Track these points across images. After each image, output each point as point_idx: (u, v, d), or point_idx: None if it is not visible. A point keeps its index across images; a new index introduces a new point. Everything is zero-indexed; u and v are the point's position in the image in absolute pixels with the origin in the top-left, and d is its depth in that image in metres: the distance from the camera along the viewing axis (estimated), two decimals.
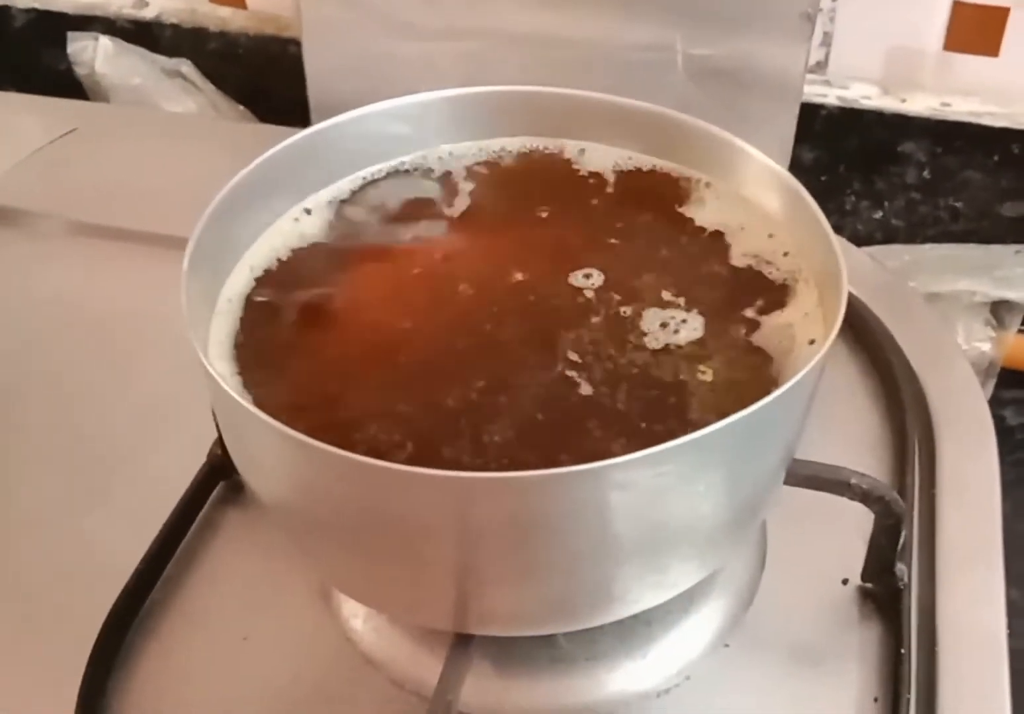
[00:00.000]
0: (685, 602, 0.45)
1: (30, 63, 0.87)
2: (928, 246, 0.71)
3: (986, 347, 0.69)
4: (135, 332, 0.61)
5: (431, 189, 0.46)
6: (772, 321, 0.40)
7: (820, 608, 0.46)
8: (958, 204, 0.70)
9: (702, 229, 0.44)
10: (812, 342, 0.38)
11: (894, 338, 0.56)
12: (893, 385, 0.54)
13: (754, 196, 0.44)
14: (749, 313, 0.40)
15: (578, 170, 0.46)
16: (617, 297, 0.41)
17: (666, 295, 0.41)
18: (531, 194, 0.45)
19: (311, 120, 0.75)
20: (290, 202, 0.44)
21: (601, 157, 0.47)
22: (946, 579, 0.46)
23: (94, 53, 0.80)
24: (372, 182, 0.46)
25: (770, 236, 0.43)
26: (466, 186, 0.46)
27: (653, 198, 0.45)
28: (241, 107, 0.83)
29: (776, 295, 0.41)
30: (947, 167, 0.69)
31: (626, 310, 0.40)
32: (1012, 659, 0.49)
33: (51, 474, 0.54)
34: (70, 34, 0.82)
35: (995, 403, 0.71)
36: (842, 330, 0.57)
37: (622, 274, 0.42)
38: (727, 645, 0.45)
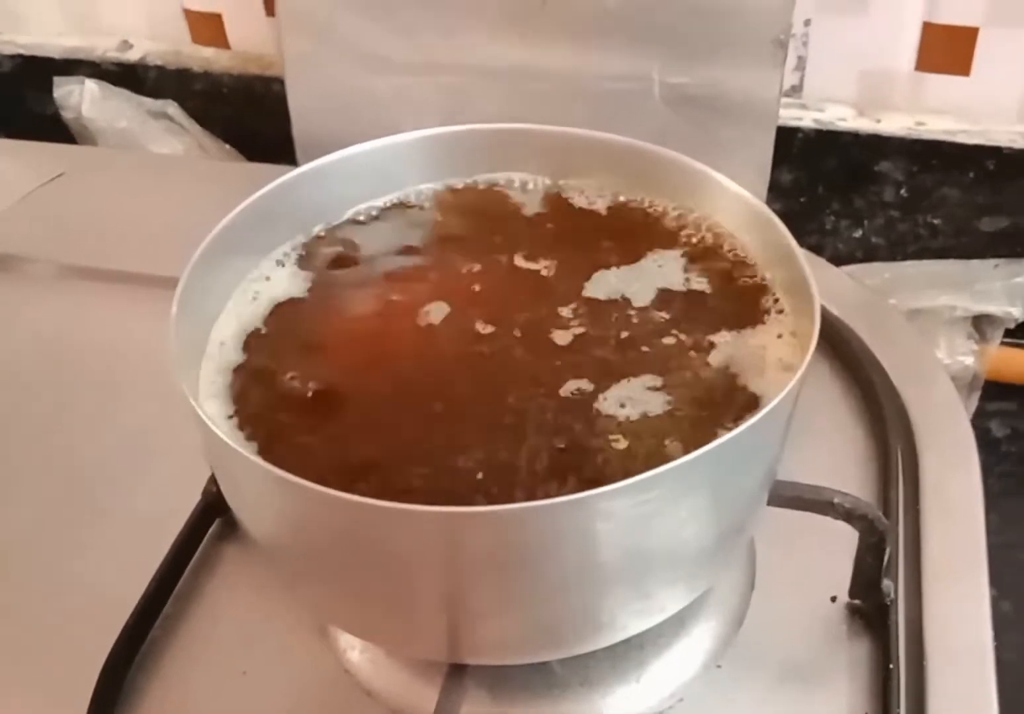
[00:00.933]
0: (676, 625, 0.45)
1: (17, 108, 0.88)
2: (908, 263, 0.72)
3: (969, 361, 0.70)
4: (126, 373, 0.62)
5: (412, 227, 0.47)
6: (745, 343, 0.40)
7: (809, 626, 0.47)
8: (936, 221, 0.71)
9: (674, 254, 0.45)
10: (787, 365, 0.39)
11: (875, 356, 0.57)
12: (875, 403, 0.55)
13: (727, 223, 0.44)
14: (722, 336, 0.41)
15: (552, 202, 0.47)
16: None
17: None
18: (498, 230, 0.46)
19: (297, 157, 0.76)
20: (273, 245, 0.45)
21: (578, 192, 0.48)
22: (932, 594, 0.47)
23: (80, 97, 0.81)
24: (351, 223, 0.47)
25: (743, 262, 0.44)
26: (446, 223, 0.47)
27: (630, 229, 0.46)
28: (228, 146, 0.84)
29: (749, 319, 0.42)
30: (924, 185, 0.70)
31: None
32: (1007, 672, 0.50)
33: (43, 514, 0.54)
34: (56, 79, 0.83)
35: (980, 416, 0.73)
36: (823, 349, 0.59)
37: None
38: (719, 666, 0.45)
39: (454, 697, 0.38)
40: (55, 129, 0.85)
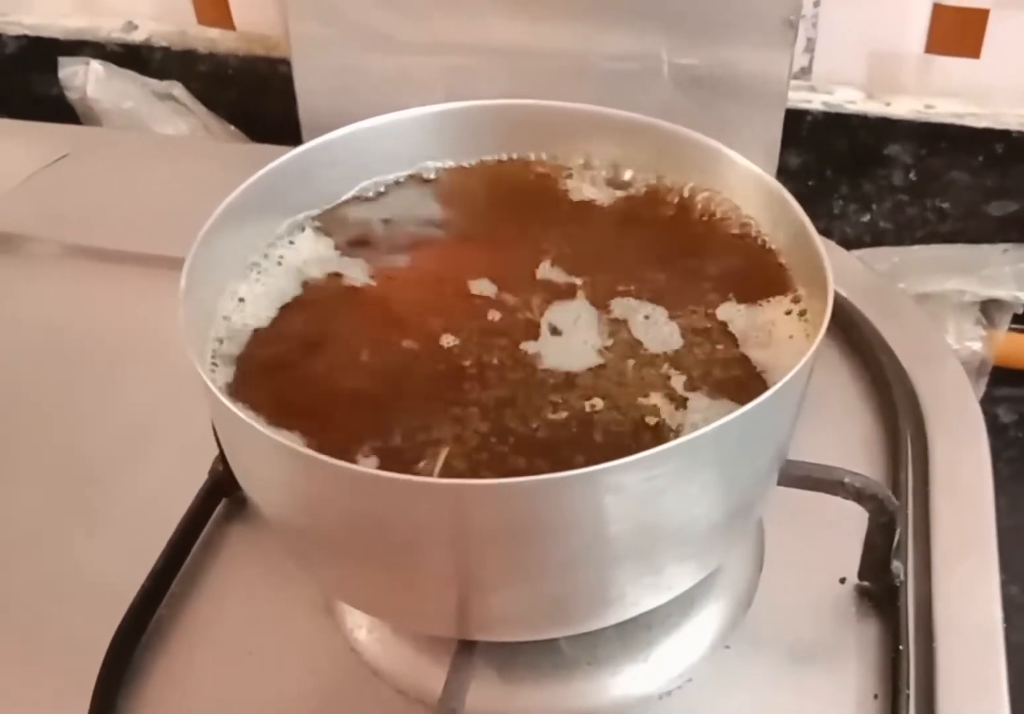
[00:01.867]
0: (685, 605, 0.45)
1: (22, 89, 0.87)
2: (916, 247, 0.71)
3: (977, 346, 0.69)
4: (131, 352, 0.61)
5: (420, 203, 0.46)
6: (757, 320, 0.40)
7: (819, 607, 0.47)
8: (945, 205, 0.71)
9: (686, 232, 0.44)
10: (798, 343, 0.39)
11: (884, 339, 0.57)
12: (884, 385, 0.55)
13: (740, 201, 0.44)
14: (733, 312, 0.41)
15: (564, 182, 0.47)
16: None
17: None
18: (517, 207, 0.46)
19: (302, 138, 0.76)
20: (281, 220, 0.44)
21: (589, 168, 0.47)
22: (942, 575, 0.47)
23: (85, 78, 0.81)
24: (363, 199, 0.47)
25: (756, 239, 0.43)
26: (456, 200, 0.46)
27: (644, 207, 0.46)
28: (233, 127, 0.84)
29: (759, 295, 0.41)
30: (933, 168, 0.70)
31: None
32: (1015, 654, 0.50)
33: (50, 495, 0.54)
34: (61, 59, 0.82)
35: (988, 401, 0.72)
36: (832, 332, 0.59)
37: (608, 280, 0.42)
38: (728, 646, 0.45)
39: (462, 676, 0.38)
40: (60, 110, 0.84)
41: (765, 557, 0.48)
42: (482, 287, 0.43)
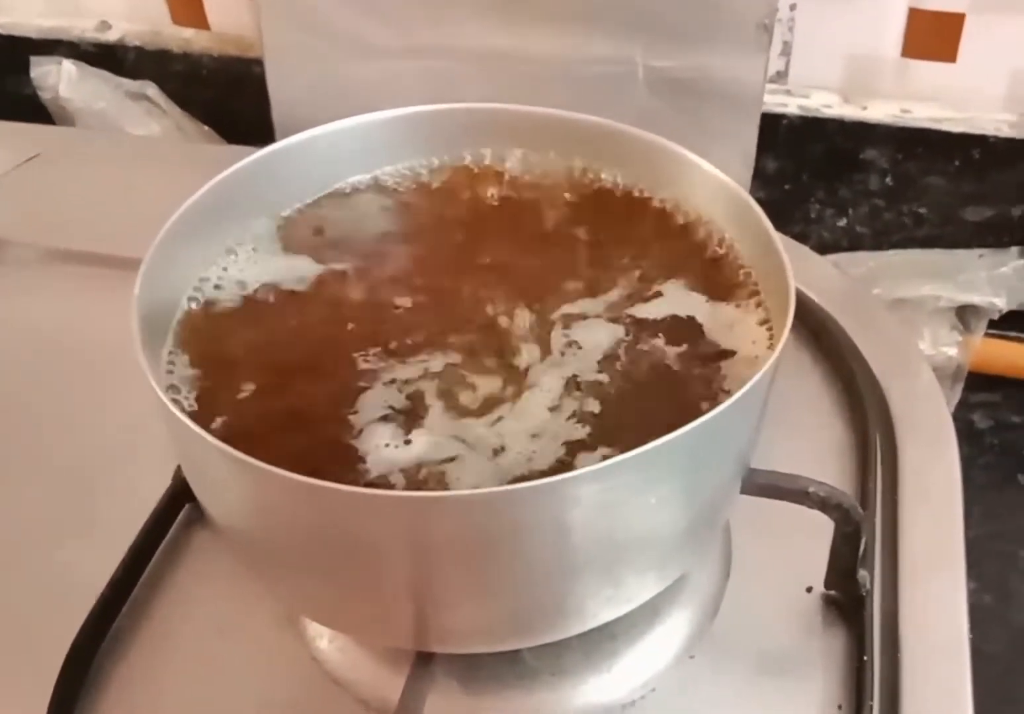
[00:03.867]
0: (650, 614, 0.45)
1: None
2: (892, 252, 0.71)
3: (953, 352, 0.69)
4: (101, 355, 0.60)
5: (377, 209, 0.46)
6: (719, 325, 0.40)
7: (785, 616, 0.46)
8: (921, 210, 0.71)
9: (653, 234, 0.44)
10: (759, 352, 0.38)
11: (856, 346, 0.56)
12: (855, 392, 0.54)
13: (705, 206, 0.44)
14: (697, 318, 0.40)
15: (525, 185, 0.46)
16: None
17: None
18: (472, 215, 0.46)
19: (276, 140, 0.75)
20: (242, 224, 0.44)
21: (547, 170, 0.47)
22: (909, 585, 0.46)
23: (58, 77, 0.80)
24: (319, 202, 0.46)
25: (720, 245, 0.43)
26: (416, 203, 0.46)
27: (608, 209, 0.45)
28: (207, 128, 0.83)
29: (725, 296, 0.41)
30: (909, 173, 0.69)
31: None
32: (989, 664, 0.49)
33: (21, 498, 0.54)
34: (33, 59, 0.82)
35: (963, 407, 0.72)
36: (804, 338, 0.58)
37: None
38: (692, 656, 0.45)
39: (420, 686, 0.38)
40: (34, 110, 0.83)
41: (732, 565, 0.48)
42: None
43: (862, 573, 0.45)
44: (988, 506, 0.68)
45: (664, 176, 0.44)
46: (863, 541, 0.43)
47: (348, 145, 0.46)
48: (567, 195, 0.46)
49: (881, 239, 0.73)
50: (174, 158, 0.76)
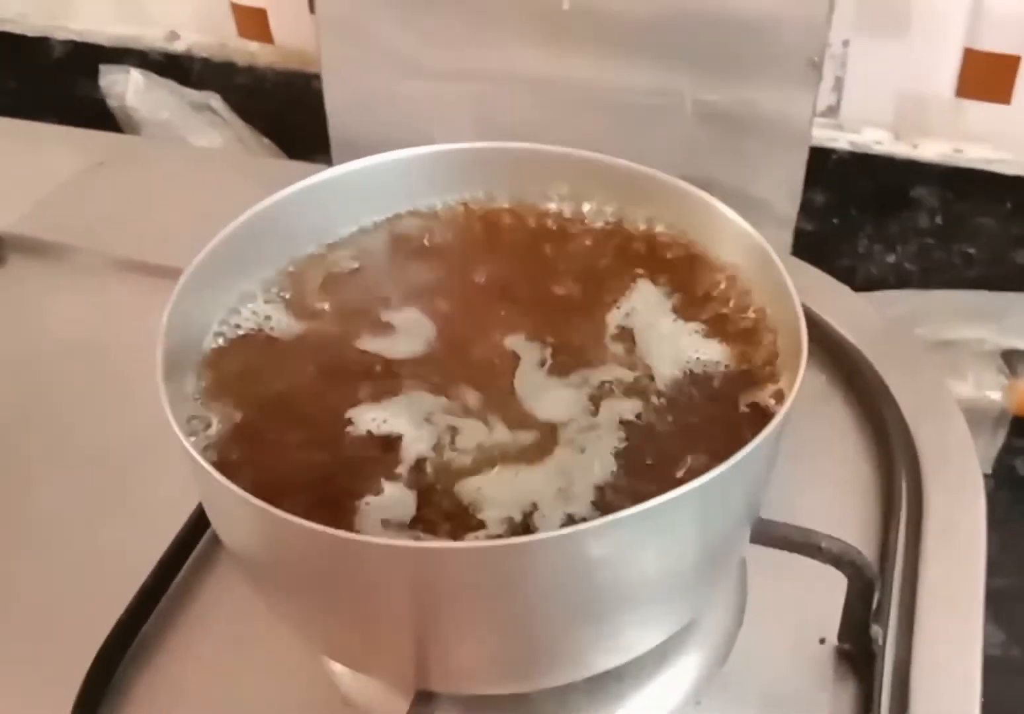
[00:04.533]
0: (658, 658, 0.45)
1: (68, 93, 0.89)
2: (939, 292, 0.70)
3: (997, 396, 0.68)
4: (152, 363, 0.62)
5: (407, 243, 0.47)
6: (735, 378, 0.40)
7: (795, 666, 0.46)
8: (971, 250, 0.70)
9: (674, 281, 0.44)
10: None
11: (889, 390, 0.56)
12: (885, 439, 0.54)
13: (728, 254, 0.44)
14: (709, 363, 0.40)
15: (552, 225, 0.47)
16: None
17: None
18: (490, 256, 0.46)
19: (332, 155, 0.76)
20: (265, 267, 0.45)
21: (577, 213, 0.47)
22: (923, 642, 0.46)
23: (125, 86, 0.82)
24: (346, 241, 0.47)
25: (742, 293, 0.43)
26: (447, 239, 0.46)
27: (631, 253, 0.45)
28: (267, 140, 0.85)
29: (743, 349, 0.41)
30: (960, 213, 0.68)
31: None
32: None
33: (58, 498, 0.55)
34: (102, 67, 0.84)
35: (1006, 452, 0.71)
36: (838, 380, 0.58)
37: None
38: (699, 702, 0.45)
39: None
40: (104, 115, 0.86)
41: (747, 611, 0.48)
42: None
43: (875, 628, 0.45)
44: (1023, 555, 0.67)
45: (690, 220, 0.44)
46: (876, 597, 0.43)
47: (372, 183, 0.46)
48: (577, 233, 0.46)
49: (929, 277, 0.72)
50: (234, 171, 0.78)
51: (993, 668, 0.56)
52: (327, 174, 0.45)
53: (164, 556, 0.50)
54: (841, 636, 0.46)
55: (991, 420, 0.69)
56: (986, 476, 0.70)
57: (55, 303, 0.68)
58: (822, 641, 0.47)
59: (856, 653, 0.46)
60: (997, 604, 0.58)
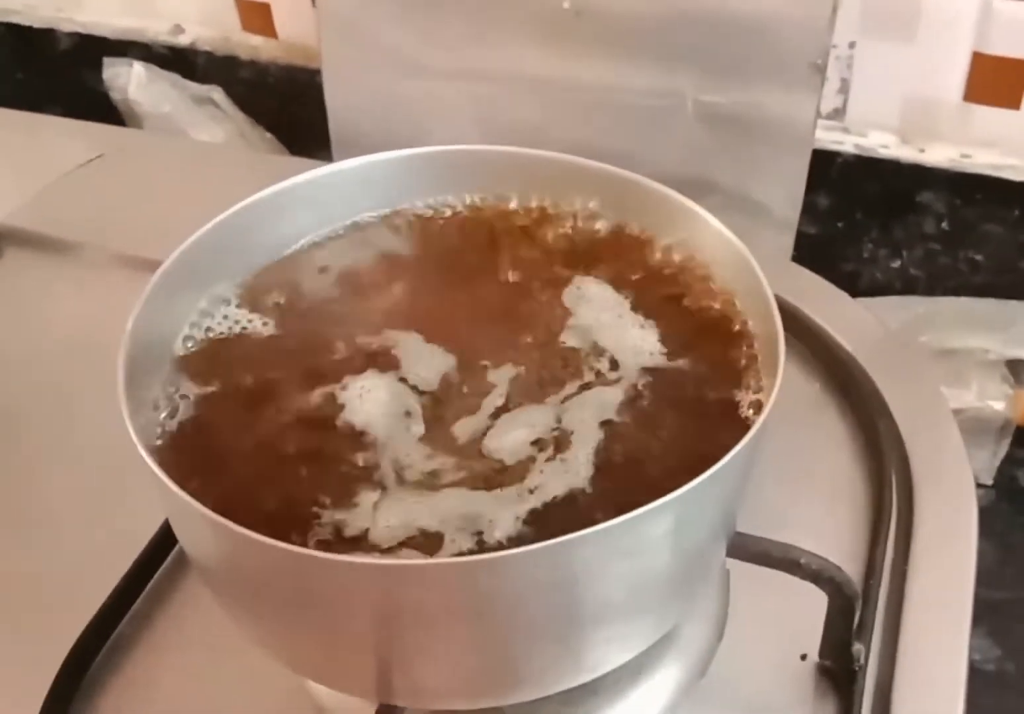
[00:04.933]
0: (634, 671, 0.44)
1: (72, 85, 0.89)
2: (944, 299, 0.69)
3: (1000, 405, 0.67)
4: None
5: (381, 246, 0.46)
6: (713, 387, 0.39)
7: (775, 682, 0.45)
8: (978, 257, 0.68)
9: (656, 290, 0.43)
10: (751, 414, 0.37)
11: (885, 400, 0.54)
12: (878, 450, 0.53)
13: (710, 260, 0.43)
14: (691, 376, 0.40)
15: (532, 229, 0.46)
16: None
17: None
18: (464, 259, 0.45)
19: (332, 153, 0.76)
20: (225, 276, 0.44)
21: (558, 217, 0.46)
22: (906, 661, 0.45)
23: (128, 79, 0.82)
24: (321, 243, 0.46)
25: (724, 301, 0.42)
26: (422, 242, 0.46)
27: (612, 256, 0.44)
28: (269, 135, 0.84)
29: (721, 357, 0.40)
30: (967, 219, 0.67)
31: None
32: None
33: (52, 493, 0.55)
34: (105, 60, 0.84)
35: (1009, 462, 0.70)
36: (832, 389, 0.57)
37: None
38: None
39: None
40: (108, 107, 0.86)
41: (728, 626, 0.47)
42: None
43: (857, 647, 0.44)
44: (1022, 568, 0.65)
45: (672, 225, 0.43)
46: (857, 615, 0.42)
47: (351, 185, 0.45)
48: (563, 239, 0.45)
49: (935, 283, 0.71)
50: (234, 166, 0.77)
51: (989, 684, 0.55)
52: (296, 180, 0.44)
53: (140, 556, 0.50)
54: (822, 653, 0.45)
55: (994, 430, 0.68)
56: (987, 487, 0.70)
57: (52, 297, 0.68)
58: (803, 657, 0.46)
59: (837, 670, 0.45)
60: (995, 618, 0.57)
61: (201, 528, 0.34)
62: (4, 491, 0.56)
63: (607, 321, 0.41)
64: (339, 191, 0.45)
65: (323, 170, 0.44)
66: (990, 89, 0.63)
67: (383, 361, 0.41)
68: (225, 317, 0.43)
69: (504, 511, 0.35)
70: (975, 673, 0.45)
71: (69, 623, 0.47)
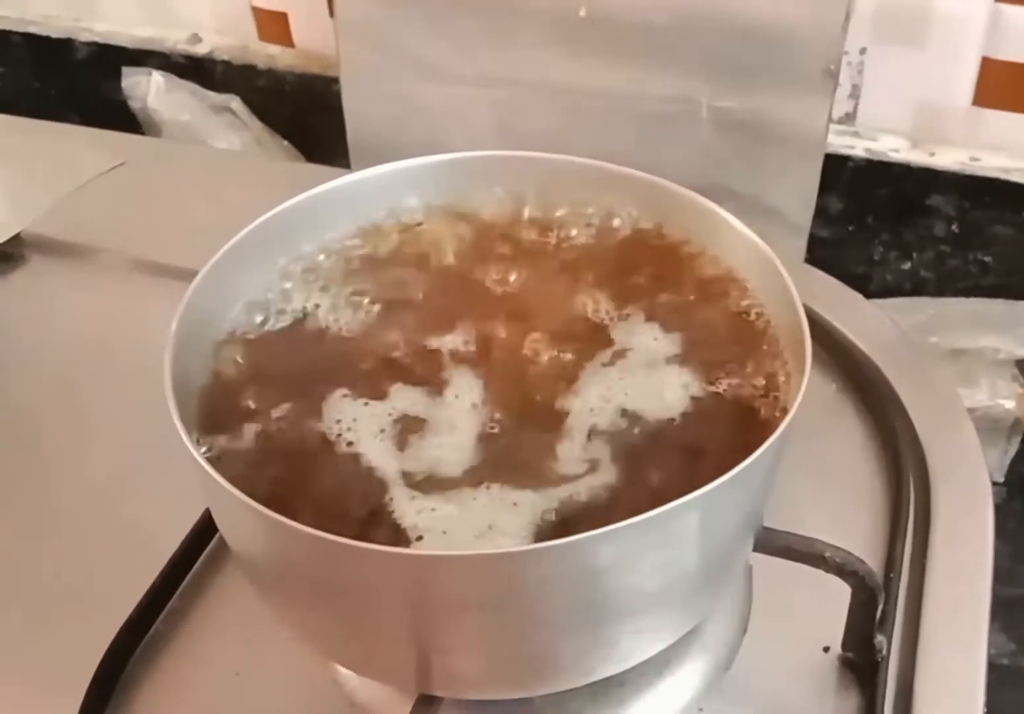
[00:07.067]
0: (660, 664, 0.45)
1: (91, 95, 0.90)
2: (954, 300, 0.70)
3: (1011, 404, 0.68)
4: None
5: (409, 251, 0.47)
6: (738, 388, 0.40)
7: (799, 674, 0.46)
8: (987, 259, 0.69)
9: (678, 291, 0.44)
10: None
11: (901, 400, 0.56)
12: (895, 449, 0.54)
13: (736, 264, 0.44)
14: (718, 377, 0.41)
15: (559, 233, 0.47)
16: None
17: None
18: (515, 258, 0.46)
19: (350, 160, 0.77)
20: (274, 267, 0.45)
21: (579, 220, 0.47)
22: (928, 652, 0.46)
23: (147, 88, 0.83)
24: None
25: (748, 301, 0.43)
26: (452, 248, 0.47)
27: (638, 261, 0.45)
28: (286, 143, 0.85)
29: (746, 357, 0.41)
30: (976, 222, 0.68)
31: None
32: None
33: (74, 494, 0.56)
34: (124, 69, 0.85)
35: (1020, 460, 0.71)
36: (849, 390, 0.58)
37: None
38: (701, 709, 0.45)
39: None
40: (127, 116, 0.87)
41: (751, 619, 0.48)
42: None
43: (879, 638, 0.45)
44: None
45: (697, 229, 0.45)
46: (880, 607, 0.43)
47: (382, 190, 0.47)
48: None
49: (945, 285, 0.72)
50: (253, 174, 0.78)
51: (1003, 678, 0.56)
52: (335, 183, 0.45)
53: (175, 554, 0.51)
54: (845, 645, 0.46)
55: (1005, 429, 0.69)
56: (999, 485, 0.70)
57: (74, 302, 0.69)
58: (826, 650, 0.47)
59: (860, 662, 0.46)
60: (1008, 614, 0.58)
61: (246, 519, 0.35)
62: (28, 492, 0.57)
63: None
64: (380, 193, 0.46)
65: (371, 171, 0.46)
66: (999, 93, 0.64)
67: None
68: (264, 317, 0.44)
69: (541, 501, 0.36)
70: (989, 668, 0.46)
71: (104, 621, 0.48)
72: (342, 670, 0.47)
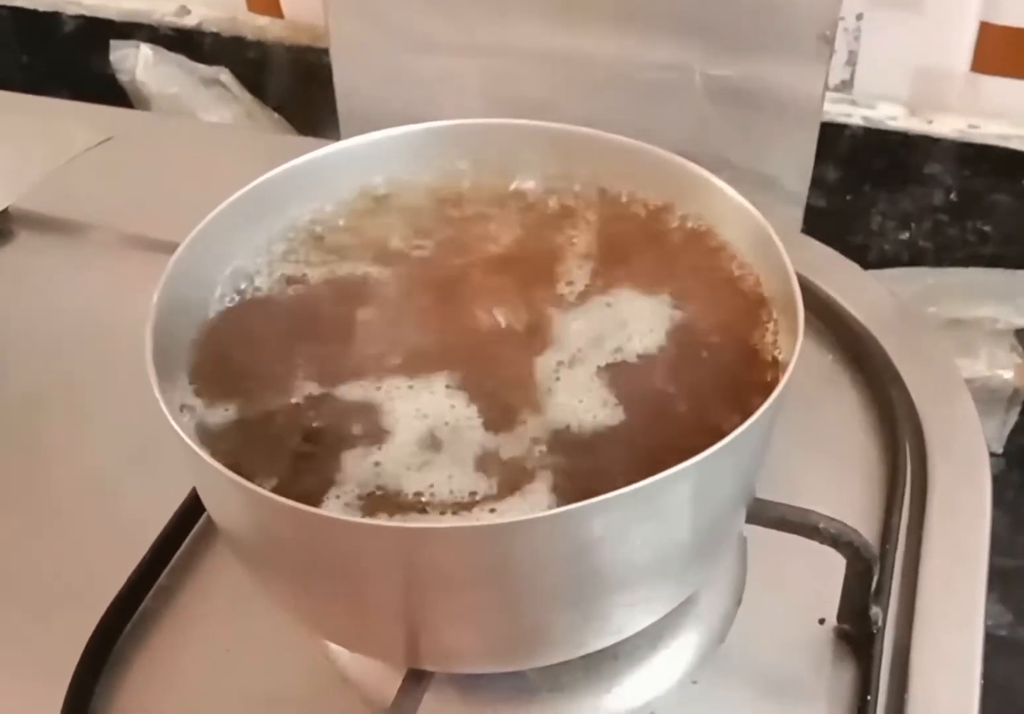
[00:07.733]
0: (654, 637, 0.45)
1: (79, 68, 0.89)
2: (952, 270, 0.69)
3: (1009, 375, 0.67)
4: None
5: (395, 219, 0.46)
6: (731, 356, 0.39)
7: (794, 646, 0.46)
8: (986, 227, 0.69)
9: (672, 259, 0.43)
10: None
11: (898, 371, 0.55)
12: (891, 420, 0.53)
13: (730, 233, 0.43)
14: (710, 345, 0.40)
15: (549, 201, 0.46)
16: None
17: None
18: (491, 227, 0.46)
19: (340, 131, 0.76)
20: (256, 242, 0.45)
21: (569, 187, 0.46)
22: (924, 623, 0.45)
23: (135, 61, 0.82)
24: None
25: (741, 269, 0.42)
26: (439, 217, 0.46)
27: (630, 227, 0.45)
28: (277, 115, 0.84)
29: (740, 326, 0.40)
30: (975, 190, 0.67)
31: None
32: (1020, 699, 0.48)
33: (67, 473, 0.55)
34: (112, 42, 0.84)
35: (1018, 431, 0.70)
36: (845, 361, 0.57)
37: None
38: (695, 681, 0.45)
39: (410, 700, 0.38)
40: (115, 90, 0.85)
41: (746, 592, 0.47)
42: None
43: (875, 610, 0.44)
44: None
45: (688, 197, 0.44)
46: (875, 579, 0.43)
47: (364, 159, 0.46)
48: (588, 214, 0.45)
49: (943, 255, 0.71)
50: (243, 147, 0.77)
51: (1001, 649, 0.55)
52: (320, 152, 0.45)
53: (164, 531, 0.50)
54: (840, 617, 0.45)
55: (1003, 399, 0.68)
56: (997, 456, 0.70)
57: (63, 278, 0.68)
58: (822, 621, 0.46)
59: (855, 634, 0.45)
60: (1006, 584, 0.58)
61: (230, 494, 0.34)
62: (22, 472, 0.56)
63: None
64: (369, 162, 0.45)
65: (359, 139, 0.45)
66: (998, 59, 0.63)
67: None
68: (244, 289, 0.43)
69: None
70: (986, 639, 0.46)
71: (94, 599, 0.48)
72: (332, 645, 0.46)
